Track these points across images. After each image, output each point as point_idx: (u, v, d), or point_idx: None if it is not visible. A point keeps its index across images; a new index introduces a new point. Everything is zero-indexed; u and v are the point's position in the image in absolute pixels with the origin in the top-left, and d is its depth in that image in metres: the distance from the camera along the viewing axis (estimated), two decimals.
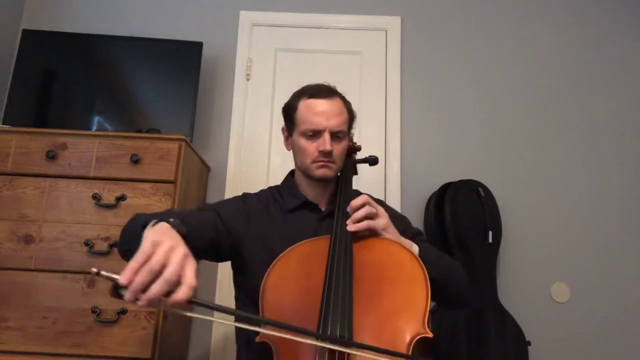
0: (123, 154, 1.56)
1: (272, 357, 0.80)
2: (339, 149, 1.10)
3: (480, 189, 1.88)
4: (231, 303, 1.15)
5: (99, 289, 1.45)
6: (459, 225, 1.81)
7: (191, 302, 0.64)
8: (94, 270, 0.61)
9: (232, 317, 0.74)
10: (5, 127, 1.66)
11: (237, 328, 1.11)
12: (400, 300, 0.85)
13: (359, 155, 1.29)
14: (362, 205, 0.98)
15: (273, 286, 0.90)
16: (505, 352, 1.70)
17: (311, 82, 1.17)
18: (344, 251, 0.91)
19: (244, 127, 2.10)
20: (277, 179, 1.28)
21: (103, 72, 1.94)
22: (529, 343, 1.73)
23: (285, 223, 1.11)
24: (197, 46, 1.97)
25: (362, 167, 1.32)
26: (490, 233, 1.82)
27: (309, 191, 1.16)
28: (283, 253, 0.95)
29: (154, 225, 0.77)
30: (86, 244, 1.48)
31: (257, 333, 0.81)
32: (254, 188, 1.25)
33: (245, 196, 1.17)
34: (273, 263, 0.94)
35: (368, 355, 0.74)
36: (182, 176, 1.59)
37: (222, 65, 2.16)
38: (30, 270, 1.46)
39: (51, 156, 1.54)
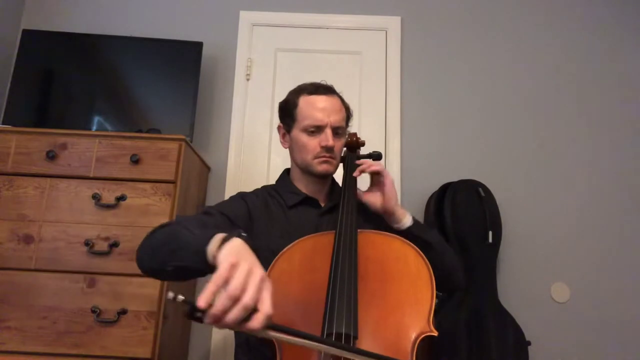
0: (123, 154, 1.56)
1: (272, 358, 0.80)
2: (339, 145, 1.13)
3: (480, 189, 1.88)
4: None
5: (99, 289, 1.45)
6: (459, 225, 1.81)
7: (266, 328, 0.63)
8: (171, 295, 0.60)
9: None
10: (5, 127, 1.66)
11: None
12: (405, 298, 0.85)
13: (363, 151, 1.29)
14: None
15: (276, 280, 0.89)
16: (505, 352, 1.70)
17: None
18: (348, 247, 0.91)
19: (244, 127, 2.10)
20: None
21: (103, 72, 1.94)
22: (529, 343, 1.73)
23: (287, 219, 1.11)
24: (197, 46, 1.97)
25: None
26: (490, 233, 1.82)
27: (307, 188, 1.16)
28: (286, 247, 0.94)
29: (225, 240, 0.71)
30: (86, 244, 1.47)
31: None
32: (254, 188, 1.25)
33: (244, 195, 1.17)
34: (276, 257, 0.93)
35: None
36: (182, 176, 1.59)
37: (222, 65, 2.16)
38: (30, 270, 1.46)
39: (51, 156, 1.54)
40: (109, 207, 1.52)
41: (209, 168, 2.03)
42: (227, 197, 1.97)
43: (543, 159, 2.07)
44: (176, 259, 0.78)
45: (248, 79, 2.15)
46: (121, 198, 1.52)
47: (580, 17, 2.21)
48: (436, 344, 1.63)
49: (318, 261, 0.91)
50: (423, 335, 0.79)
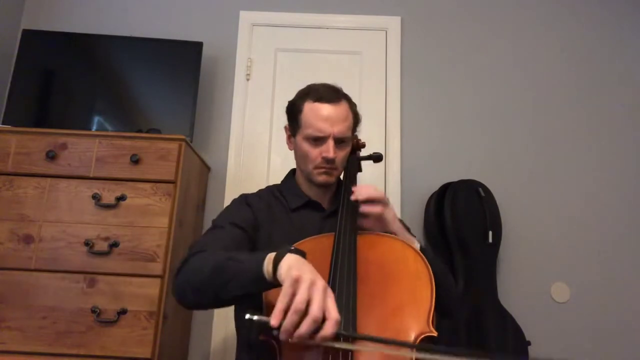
0: (123, 154, 1.56)
1: (273, 358, 0.80)
2: (342, 155, 1.10)
3: (480, 189, 1.88)
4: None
5: (99, 289, 1.45)
6: (459, 225, 1.81)
7: (338, 335, 0.66)
8: (248, 316, 0.65)
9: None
10: (5, 127, 1.66)
11: (238, 329, 1.11)
12: (404, 299, 0.85)
13: (363, 152, 1.28)
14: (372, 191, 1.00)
15: None
16: (506, 353, 1.70)
17: (311, 83, 1.16)
18: (347, 249, 0.91)
19: (244, 127, 2.10)
20: (277, 179, 1.28)
21: (103, 72, 1.94)
22: (529, 343, 1.73)
23: (290, 222, 1.10)
24: (197, 46, 1.97)
25: (364, 165, 1.31)
26: (491, 233, 1.82)
27: (311, 191, 1.16)
28: None
29: (278, 259, 0.73)
30: (86, 244, 1.47)
31: (258, 336, 0.81)
32: (254, 188, 1.25)
33: (247, 198, 1.15)
34: None
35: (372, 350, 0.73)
36: (182, 176, 1.59)
37: (222, 65, 2.16)
38: (30, 270, 1.46)
39: (51, 156, 1.54)
40: (109, 207, 1.52)
41: (209, 168, 2.03)
42: (227, 197, 1.98)
43: (543, 159, 2.07)
44: (232, 289, 0.80)
45: (248, 79, 2.15)
46: (121, 198, 1.52)
47: (580, 16, 2.21)
48: (436, 344, 1.62)
49: (317, 263, 0.90)
50: (423, 336, 0.79)
